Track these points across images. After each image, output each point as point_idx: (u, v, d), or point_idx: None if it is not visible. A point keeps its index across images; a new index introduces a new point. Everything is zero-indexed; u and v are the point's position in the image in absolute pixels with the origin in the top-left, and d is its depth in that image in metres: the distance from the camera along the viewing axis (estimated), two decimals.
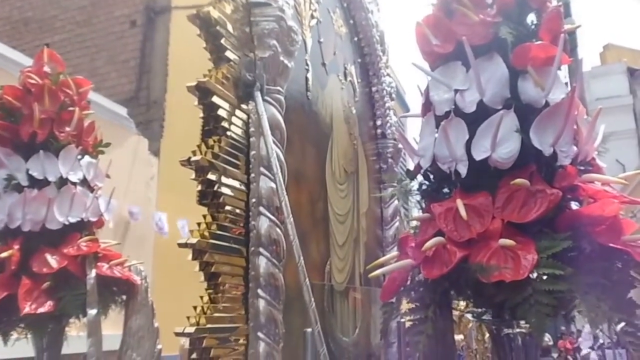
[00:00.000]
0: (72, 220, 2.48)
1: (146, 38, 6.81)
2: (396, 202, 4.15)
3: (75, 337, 2.62)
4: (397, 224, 4.11)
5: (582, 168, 1.70)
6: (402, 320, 3.30)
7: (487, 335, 5.07)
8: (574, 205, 1.65)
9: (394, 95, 4.45)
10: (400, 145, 4.26)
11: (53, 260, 2.38)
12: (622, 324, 1.45)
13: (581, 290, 1.43)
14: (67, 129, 2.55)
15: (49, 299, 2.34)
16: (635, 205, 1.70)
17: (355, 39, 4.05)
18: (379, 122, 4.23)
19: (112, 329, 2.66)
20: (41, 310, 2.31)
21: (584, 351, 10.27)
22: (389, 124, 4.22)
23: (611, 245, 1.52)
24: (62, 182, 2.50)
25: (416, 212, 1.96)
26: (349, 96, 3.76)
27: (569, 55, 1.77)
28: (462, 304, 1.89)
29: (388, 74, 4.35)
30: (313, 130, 3.06)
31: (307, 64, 3.01)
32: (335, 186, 3.27)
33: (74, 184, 2.53)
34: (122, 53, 6.86)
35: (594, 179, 1.66)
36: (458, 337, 5.04)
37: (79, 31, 7.15)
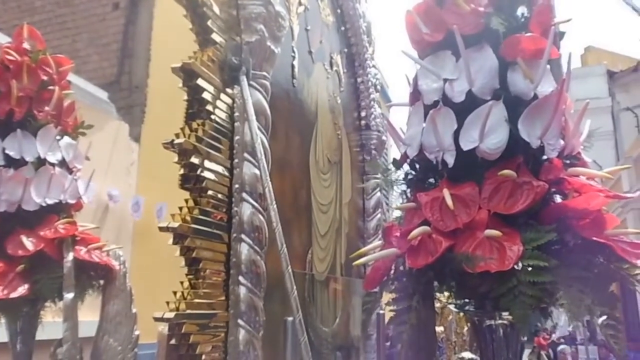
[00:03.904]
0: (50, 201, 2.42)
1: (129, 21, 6.68)
2: (378, 193, 4.15)
3: (51, 323, 2.56)
4: (379, 215, 4.11)
5: (567, 162, 1.70)
6: (382, 311, 3.32)
7: (466, 328, 5.12)
8: (559, 199, 1.66)
9: (379, 87, 4.43)
10: (384, 137, 4.25)
11: (29, 243, 2.32)
12: (603, 317, 1.46)
13: (565, 282, 1.43)
14: (46, 108, 2.48)
15: (24, 282, 2.29)
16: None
17: (342, 28, 4.02)
18: (363, 114, 4.21)
19: (88, 315, 2.61)
20: (15, 293, 2.26)
21: (561, 347, 10.45)
22: (373, 116, 4.20)
23: (594, 239, 1.53)
24: (40, 162, 2.44)
25: (399, 204, 1.95)
26: (334, 86, 3.73)
27: (558, 48, 1.77)
28: (445, 295, 1.89)
29: (374, 65, 4.33)
30: (298, 118, 3.03)
31: (293, 51, 2.98)
32: (318, 175, 3.25)
33: (52, 164, 2.47)
34: (104, 36, 6.73)
35: (580, 172, 1.67)
36: (438, 328, 5.08)
37: (60, 12, 7.00)
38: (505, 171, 1.55)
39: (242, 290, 2.11)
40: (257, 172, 2.20)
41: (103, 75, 6.50)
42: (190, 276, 2.01)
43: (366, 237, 3.99)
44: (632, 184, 11.77)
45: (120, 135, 6.02)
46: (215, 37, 2.23)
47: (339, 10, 3.97)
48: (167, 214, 5.23)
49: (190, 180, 2.07)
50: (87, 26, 6.83)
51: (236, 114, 2.23)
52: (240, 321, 2.09)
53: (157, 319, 1.87)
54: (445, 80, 1.70)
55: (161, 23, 6.46)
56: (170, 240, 1.97)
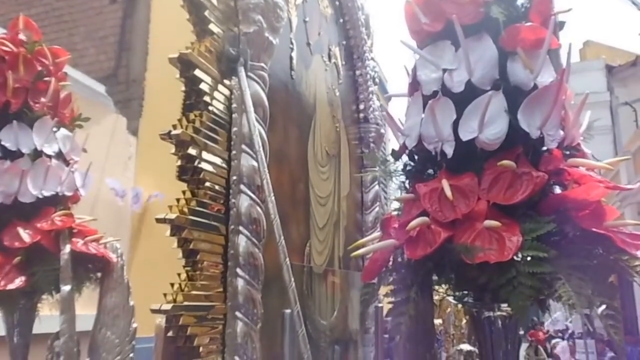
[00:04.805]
0: (47, 193, 2.40)
1: (126, 15, 6.64)
2: (377, 187, 4.14)
3: (48, 316, 2.55)
4: (377, 208, 4.10)
5: (567, 152, 1.69)
6: (380, 305, 3.31)
7: (464, 321, 5.13)
8: (559, 189, 1.65)
9: (377, 80, 4.41)
10: (382, 130, 4.24)
11: (25, 235, 2.31)
12: (603, 307, 1.46)
13: (564, 272, 1.42)
14: (43, 99, 2.46)
15: (20, 274, 2.28)
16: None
17: (341, 20, 4.00)
18: (361, 106, 4.19)
19: (86, 309, 2.60)
20: (12, 285, 2.25)
21: (554, 340, 10.46)
22: (371, 108, 4.19)
23: (594, 230, 1.52)
24: (37, 154, 2.42)
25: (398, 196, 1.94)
26: (332, 78, 3.72)
27: (558, 38, 1.76)
28: (443, 287, 1.88)
29: (372, 58, 4.31)
30: (296, 110, 3.02)
31: (291, 43, 2.96)
32: (317, 168, 3.24)
33: (49, 156, 2.46)
34: (101, 29, 6.69)
35: (579, 163, 1.66)
36: (437, 321, 5.09)
37: (57, 5, 6.95)
38: (505, 162, 1.54)
39: (240, 283, 2.10)
40: (255, 164, 2.19)
41: (100, 69, 6.46)
42: (188, 268, 2.00)
43: (364, 230, 3.98)
44: (630, 178, 11.78)
45: (117, 129, 5.99)
46: (213, 27, 2.21)
47: (337, 2, 3.95)
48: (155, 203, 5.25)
49: (188, 171, 2.05)
50: (84, 19, 6.78)
51: (234, 105, 2.22)
52: (238, 313, 2.08)
53: (154, 311, 1.86)
54: (444, 70, 1.69)
55: (159, 16, 6.43)
56: (168, 232, 1.96)
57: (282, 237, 2.15)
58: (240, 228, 2.14)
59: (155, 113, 5.95)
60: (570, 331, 12.16)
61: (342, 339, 3.46)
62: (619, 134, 18.33)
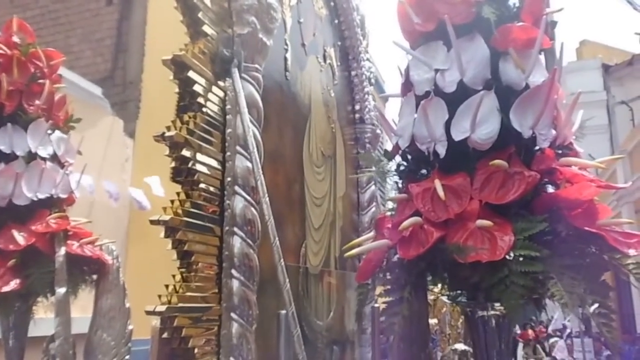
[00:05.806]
0: (41, 196, 2.40)
1: (123, 17, 6.63)
2: (373, 187, 4.14)
3: (44, 319, 2.55)
4: (373, 209, 4.10)
5: (560, 152, 1.70)
6: (376, 305, 3.31)
7: (460, 321, 5.13)
8: (551, 189, 1.65)
9: (373, 81, 4.41)
10: (378, 131, 4.24)
11: (20, 237, 2.31)
12: (596, 305, 1.46)
13: (556, 271, 1.42)
14: (37, 102, 2.46)
15: (15, 276, 2.28)
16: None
17: (336, 21, 4.00)
18: (357, 107, 4.19)
19: (81, 312, 2.60)
20: (7, 288, 2.25)
21: (552, 339, 10.45)
22: (367, 109, 4.19)
23: (586, 229, 1.52)
24: (31, 156, 2.42)
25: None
26: (327, 79, 3.72)
27: (550, 38, 1.76)
28: (437, 287, 1.89)
29: (368, 59, 4.32)
30: (291, 111, 3.02)
31: (286, 44, 2.97)
32: (312, 169, 3.24)
33: (44, 159, 2.46)
34: (97, 31, 6.68)
35: (572, 162, 1.66)
36: (432, 321, 5.10)
37: (53, 7, 6.95)
38: (497, 161, 1.54)
39: (235, 284, 2.10)
40: (250, 165, 2.19)
41: (97, 71, 6.45)
42: (183, 269, 2.00)
43: (360, 230, 3.97)
44: (626, 177, 11.80)
45: (114, 131, 5.99)
46: (207, 29, 2.22)
47: (332, 3, 3.95)
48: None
49: (182, 173, 2.06)
50: (81, 22, 6.78)
51: (228, 106, 2.23)
52: (233, 314, 2.08)
53: (148, 312, 1.87)
54: (436, 70, 1.69)
55: (155, 18, 6.42)
56: (162, 234, 1.96)
57: (277, 238, 2.16)
58: (235, 229, 2.14)
59: (152, 115, 5.93)
60: (568, 330, 12.15)
61: (339, 339, 3.46)
62: (615, 133, 18.33)
